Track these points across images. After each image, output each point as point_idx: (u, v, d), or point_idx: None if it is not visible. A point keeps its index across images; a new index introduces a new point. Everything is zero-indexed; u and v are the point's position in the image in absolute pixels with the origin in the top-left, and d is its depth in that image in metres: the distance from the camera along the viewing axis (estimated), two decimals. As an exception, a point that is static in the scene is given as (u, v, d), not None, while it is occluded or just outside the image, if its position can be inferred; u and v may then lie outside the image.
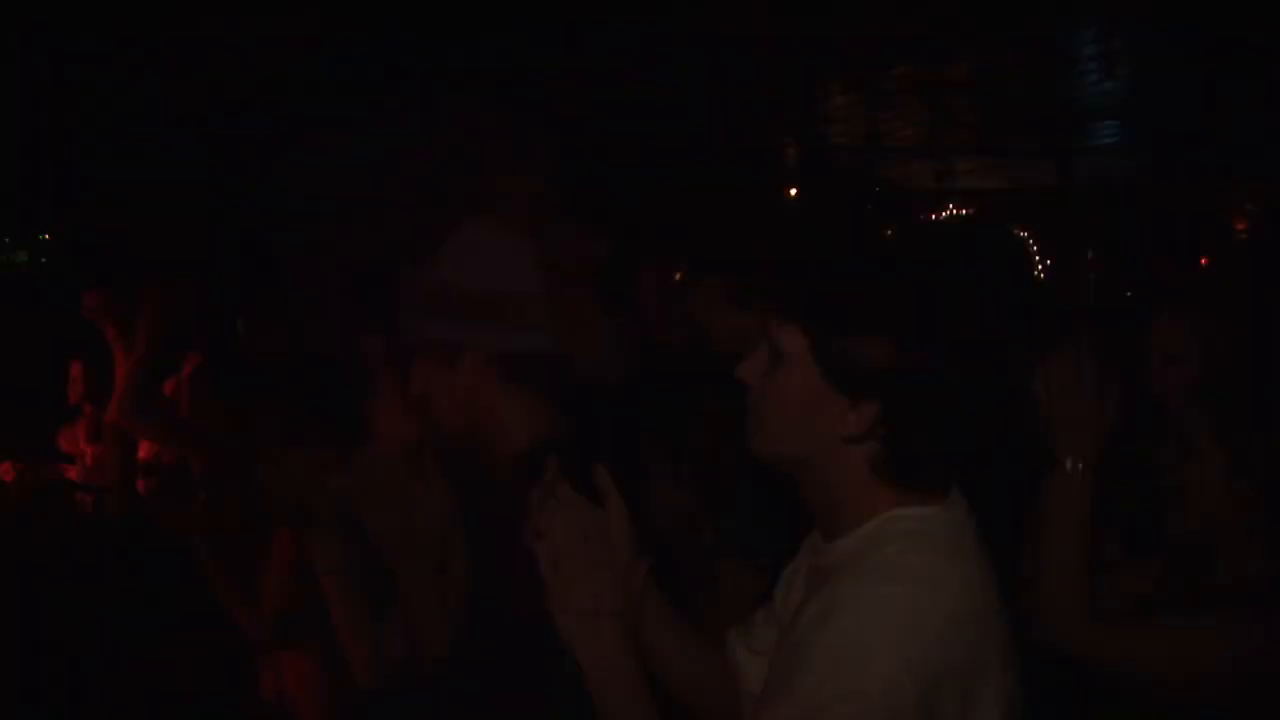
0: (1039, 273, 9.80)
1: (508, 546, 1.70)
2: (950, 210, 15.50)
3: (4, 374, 6.81)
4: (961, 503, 1.60)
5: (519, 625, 1.73)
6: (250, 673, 3.58)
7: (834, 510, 1.60)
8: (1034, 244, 14.12)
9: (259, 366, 4.20)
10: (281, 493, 2.77)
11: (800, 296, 1.61)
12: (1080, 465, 2.08)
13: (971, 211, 15.60)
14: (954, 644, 1.44)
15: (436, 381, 2.11)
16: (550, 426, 2.09)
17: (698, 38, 7.53)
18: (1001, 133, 12.01)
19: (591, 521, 1.59)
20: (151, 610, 4.05)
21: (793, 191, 12.79)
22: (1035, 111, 10.85)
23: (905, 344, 1.51)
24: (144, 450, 4.80)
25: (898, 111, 10.74)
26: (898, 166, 13.44)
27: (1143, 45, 8.59)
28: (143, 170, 7.52)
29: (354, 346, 2.77)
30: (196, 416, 4.06)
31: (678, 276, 3.65)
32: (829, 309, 1.57)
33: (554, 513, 1.58)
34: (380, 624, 2.55)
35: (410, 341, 2.15)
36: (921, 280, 1.59)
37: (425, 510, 2.38)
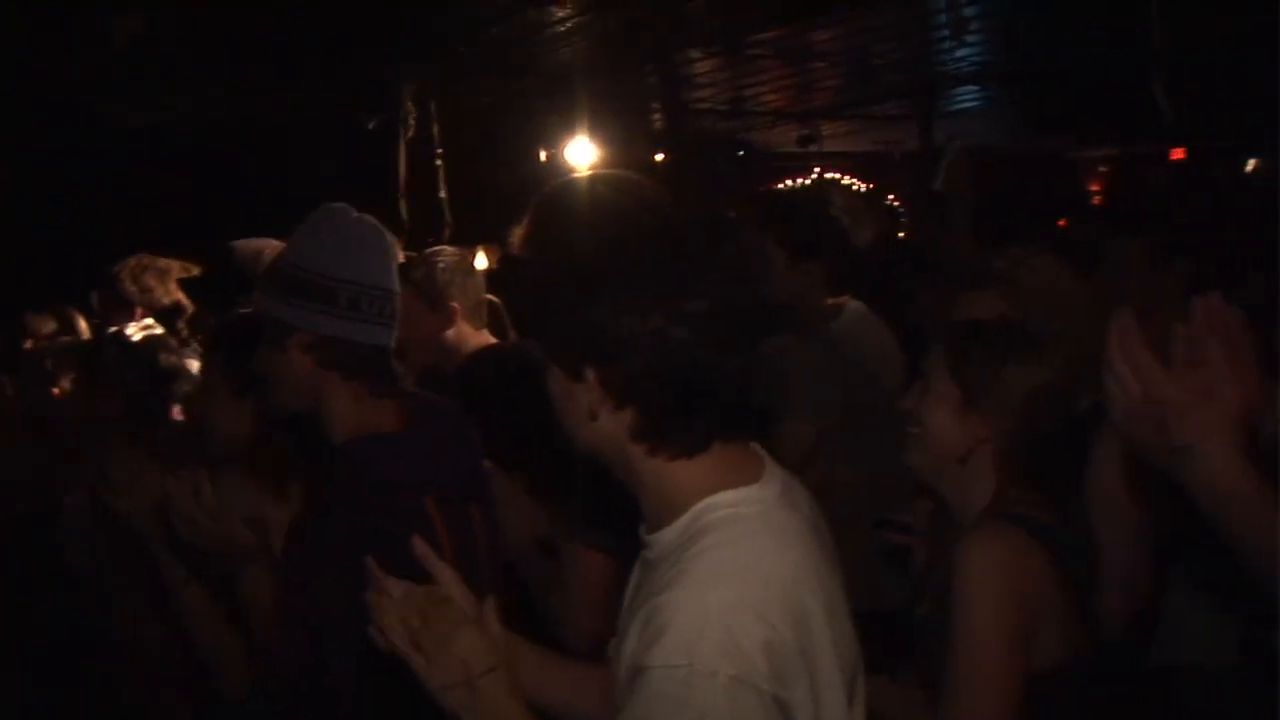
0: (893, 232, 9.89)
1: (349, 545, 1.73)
2: (817, 172, 15.66)
3: None
4: (778, 477, 1.57)
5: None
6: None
7: (646, 499, 1.56)
8: (898, 204, 14.37)
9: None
10: (127, 500, 2.61)
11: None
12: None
13: (838, 175, 15.76)
14: (788, 629, 1.40)
15: (273, 363, 2.24)
16: (380, 418, 2.24)
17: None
18: (865, 97, 12.07)
19: (425, 597, 1.58)
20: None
21: (659, 157, 12.74)
22: (898, 76, 10.92)
23: (604, 311, 1.46)
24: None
25: (762, 76, 10.72)
26: (763, 131, 13.46)
27: (1002, 10, 8.67)
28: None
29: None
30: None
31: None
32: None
33: (388, 606, 1.57)
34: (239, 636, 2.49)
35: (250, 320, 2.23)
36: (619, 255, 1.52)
37: (254, 518, 2.40)
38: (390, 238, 2.31)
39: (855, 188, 15.96)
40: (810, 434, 3.23)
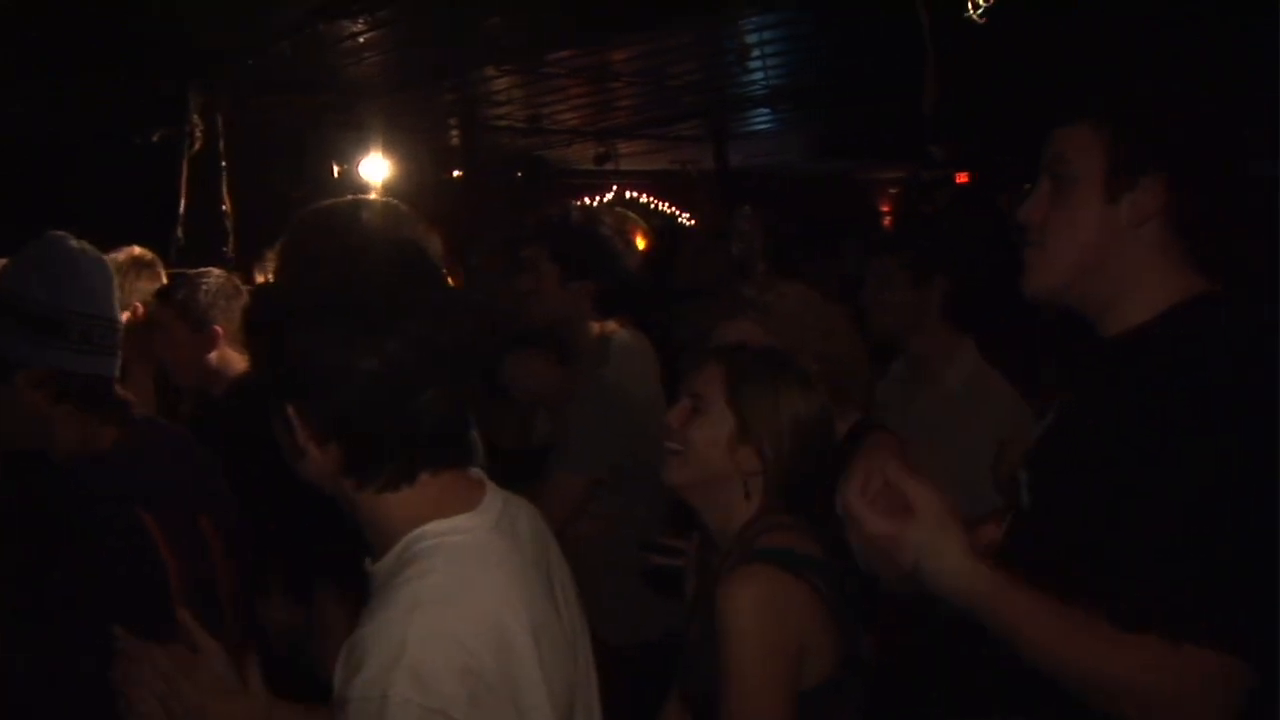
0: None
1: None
2: (614, 190, 15.80)
3: None
4: (496, 506, 1.59)
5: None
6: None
7: (366, 531, 1.57)
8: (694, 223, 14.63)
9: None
10: None
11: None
12: None
13: (635, 194, 15.94)
14: (489, 657, 1.42)
15: None
16: (98, 441, 2.25)
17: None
18: (661, 117, 12.23)
19: (177, 663, 1.57)
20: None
21: (456, 173, 12.67)
22: (693, 97, 11.10)
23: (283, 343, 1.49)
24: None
25: (560, 95, 10.76)
26: (560, 149, 13.50)
27: (792, 34, 8.91)
28: None
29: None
30: None
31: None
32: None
33: (137, 676, 1.56)
34: None
35: None
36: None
37: None
38: (109, 266, 2.30)
39: (654, 206, 16.21)
40: (580, 485, 3.26)
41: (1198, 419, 1.58)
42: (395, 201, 1.69)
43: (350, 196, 1.82)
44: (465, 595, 1.45)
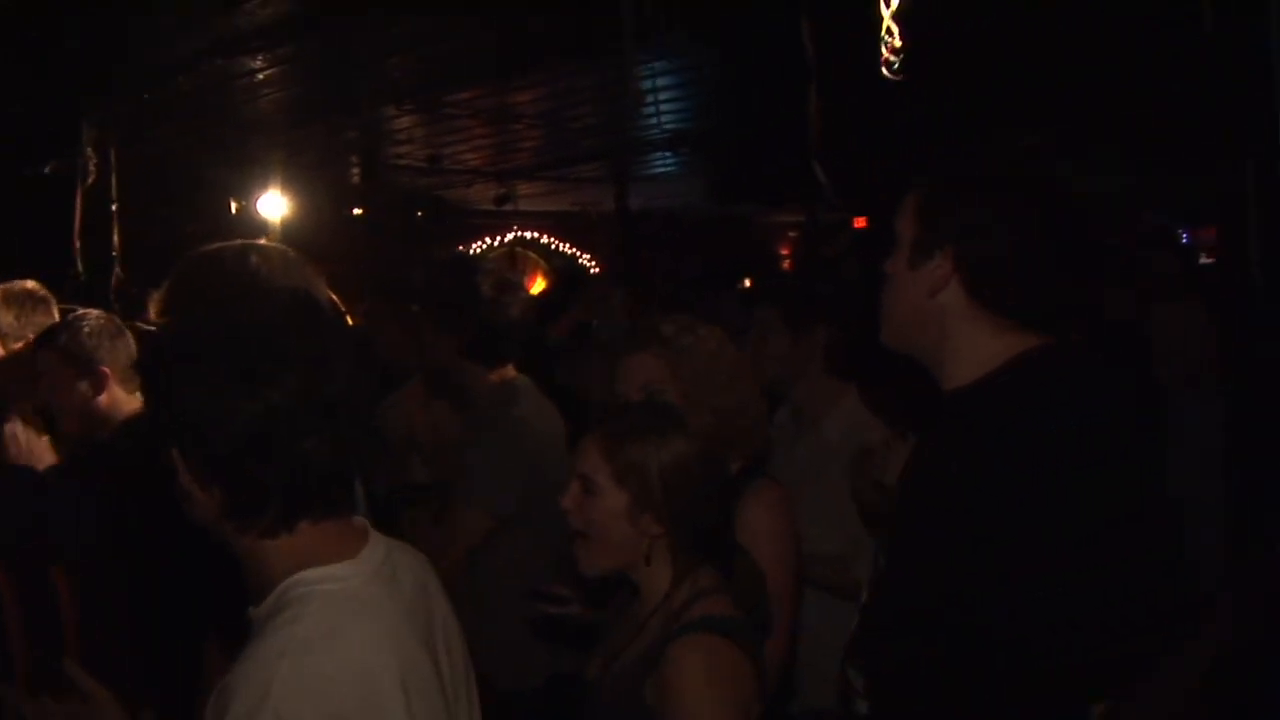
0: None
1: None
2: (514, 231, 15.85)
3: None
4: (377, 555, 1.61)
5: None
6: None
7: (248, 576, 1.58)
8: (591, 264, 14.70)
9: None
10: None
11: None
12: None
13: (536, 234, 15.98)
14: (353, 705, 1.44)
15: None
16: None
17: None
18: (562, 159, 12.30)
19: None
20: None
21: (357, 211, 12.61)
22: (594, 140, 11.19)
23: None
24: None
25: (461, 135, 10.78)
26: (461, 188, 13.50)
27: (690, 81, 9.05)
28: None
29: None
30: None
31: None
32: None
33: None
34: None
35: None
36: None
37: None
38: None
39: (555, 247, 16.26)
40: (484, 524, 3.25)
41: (956, 499, 1.71)
42: (284, 247, 1.68)
43: (240, 241, 1.80)
44: (334, 643, 1.47)
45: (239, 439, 1.45)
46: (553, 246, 16.30)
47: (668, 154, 11.99)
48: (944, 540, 1.70)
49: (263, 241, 1.72)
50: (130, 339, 3.47)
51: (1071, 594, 1.60)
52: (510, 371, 3.51)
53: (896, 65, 5.36)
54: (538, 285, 15.21)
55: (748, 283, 9.94)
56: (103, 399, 3.31)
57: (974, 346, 1.86)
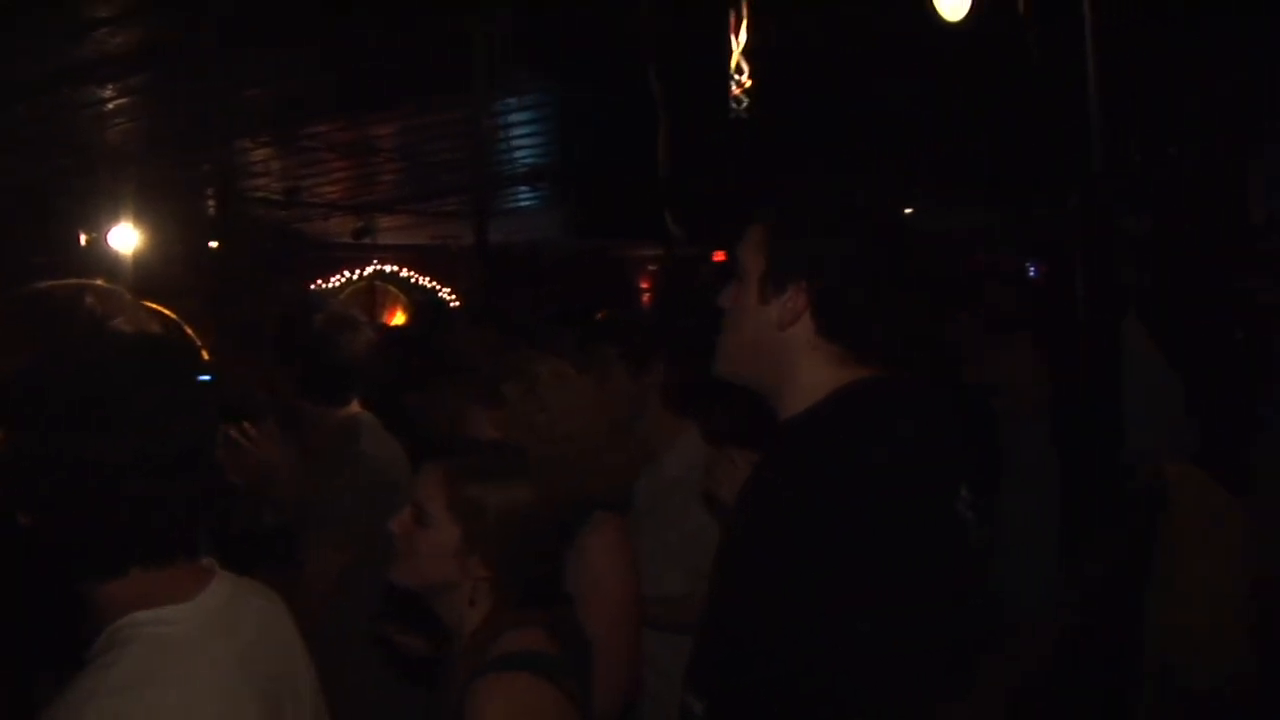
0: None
1: None
2: (374, 265, 15.77)
3: None
4: (218, 599, 1.58)
5: None
6: None
7: (88, 612, 1.54)
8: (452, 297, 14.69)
9: None
10: None
11: None
12: None
13: (396, 268, 15.91)
14: None
15: None
16: None
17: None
18: (422, 193, 12.31)
19: None
20: None
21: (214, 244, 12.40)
22: (453, 174, 11.23)
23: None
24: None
25: (318, 168, 10.74)
26: (319, 221, 13.39)
27: (542, 119, 9.17)
28: None
29: None
30: None
31: None
32: None
33: None
34: None
35: None
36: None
37: None
38: None
39: (415, 281, 16.20)
40: (332, 565, 3.23)
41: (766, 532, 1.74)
42: (120, 289, 1.65)
43: (74, 280, 1.73)
44: (146, 688, 1.43)
45: (61, 485, 1.43)
46: (413, 280, 16.24)
47: (526, 189, 12.07)
48: (767, 568, 1.69)
49: (99, 282, 1.67)
50: None
51: (862, 631, 1.61)
52: (355, 408, 3.51)
53: (745, 103, 5.52)
54: (398, 318, 15.14)
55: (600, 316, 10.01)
56: None
57: (812, 378, 1.85)
